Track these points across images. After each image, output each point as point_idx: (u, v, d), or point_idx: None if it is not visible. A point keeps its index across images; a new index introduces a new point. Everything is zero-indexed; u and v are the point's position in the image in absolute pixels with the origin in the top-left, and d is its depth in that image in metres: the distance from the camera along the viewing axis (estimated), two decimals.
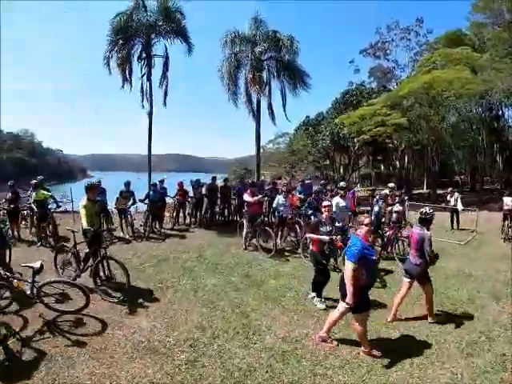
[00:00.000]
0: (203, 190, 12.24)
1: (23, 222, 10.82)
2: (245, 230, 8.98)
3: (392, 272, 7.28)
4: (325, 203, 6.15)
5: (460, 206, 12.27)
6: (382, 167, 38.87)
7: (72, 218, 11.61)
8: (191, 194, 12.17)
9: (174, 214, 11.91)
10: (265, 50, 18.47)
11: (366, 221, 4.23)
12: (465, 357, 4.20)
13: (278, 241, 9.08)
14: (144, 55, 18.24)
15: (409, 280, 5.13)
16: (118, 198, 10.24)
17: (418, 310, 5.43)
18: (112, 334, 4.64)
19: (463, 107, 24.24)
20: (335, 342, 4.42)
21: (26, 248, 8.88)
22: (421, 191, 28.89)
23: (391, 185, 10.18)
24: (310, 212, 8.63)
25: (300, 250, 8.34)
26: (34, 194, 9.05)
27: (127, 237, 10.00)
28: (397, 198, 9.12)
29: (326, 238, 5.53)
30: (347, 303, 3.96)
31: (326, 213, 5.92)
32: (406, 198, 11.50)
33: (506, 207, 11.09)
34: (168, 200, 11.91)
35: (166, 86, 18.99)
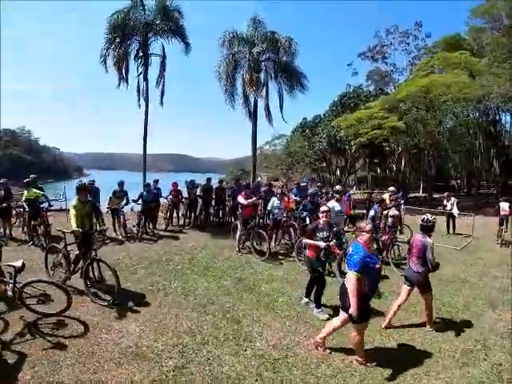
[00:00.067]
0: (198, 191, 12.12)
1: (17, 221, 10.69)
2: (238, 232, 8.87)
3: (388, 278, 7.18)
4: (323, 208, 5.96)
5: (456, 211, 12.21)
6: (379, 170, 38.85)
7: (66, 216, 11.45)
8: (185, 194, 12.05)
9: (168, 215, 11.78)
10: (263, 51, 18.46)
11: (368, 227, 4.06)
12: (460, 366, 4.11)
13: (272, 244, 9.00)
14: (141, 54, 18.16)
15: (408, 287, 5.05)
16: (111, 198, 10.11)
17: (413, 317, 5.35)
18: (100, 337, 4.52)
19: (460, 111, 24.24)
20: (328, 350, 4.31)
21: (17, 247, 8.72)
22: (417, 195, 28.88)
23: (392, 188, 10.10)
24: (304, 214, 8.54)
25: (294, 254, 8.25)
26: (25, 192, 8.96)
27: (120, 237, 9.87)
28: (392, 203, 9.04)
29: (323, 244, 5.38)
30: (351, 316, 3.82)
31: (324, 218, 5.75)
32: (402, 201, 11.43)
33: (502, 212, 11.07)
34: (162, 201, 11.79)
35: (163, 86, 19.01)
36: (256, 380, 3.76)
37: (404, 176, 33.17)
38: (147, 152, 19.49)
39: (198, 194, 12.06)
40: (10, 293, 4.67)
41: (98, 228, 7.91)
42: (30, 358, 4.01)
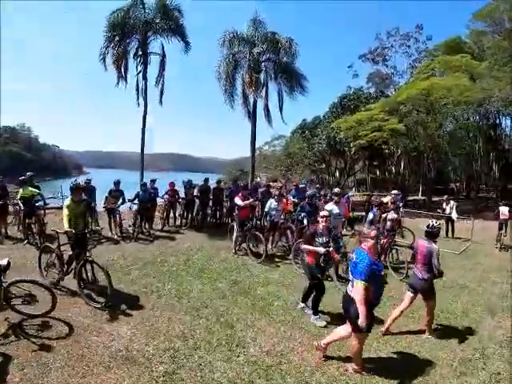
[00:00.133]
0: (195, 191, 12.02)
1: (13, 220, 10.59)
2: (235, 234, 8.76)
3: (386, 282, 7.04)
4: (322, 213, 5.82)
5: (455, 215, 12.13)
6: (378, 173, 38.78)
7: (61, 215, 11.35)
8: (182, 194, 11.95)
9: (164, 215, 11.67)
10: (263, 52, 18.35)
11: (372, 233, 3.89)
12: (458, 376, 4.01)
13: (269, 246, 8.91)
14: (140, 52, 18.06)
15: (412, 294, 4.95)
16: (107, 197, 9.99)
17: (411, 324, 5.26)
18: (90, 340, 4.43)
19: (461, 115, 24.16)
20: (323, 358, 4.20)
21: (12, 245, 8.63)
22: (416, 198, 28.77)
23: (395, 192, 10.02)
24: (302, 216, 8.44)
25: (291, 256, 8.15)
26: (21, 190, 8.87)
27: (115, 237, 9.78)
28: (392, 205, 8.94)
29: (322, 249, 5.22)
30: (360, 326, 3.66)
31: (324, 223, 5.61)
32: (401, 204, 11.34)
33: (502, 216, 11.00)
34: (159, 200, 11.67)
35: (163, 85, 18.91)
36: None
37: (403, 179, 33.08)
38: (146, 152, 19.38)
39: (195, 194, 11.96)
40: None
41: (93, 228, 7.80)
42: (18, 360, 3.92)
